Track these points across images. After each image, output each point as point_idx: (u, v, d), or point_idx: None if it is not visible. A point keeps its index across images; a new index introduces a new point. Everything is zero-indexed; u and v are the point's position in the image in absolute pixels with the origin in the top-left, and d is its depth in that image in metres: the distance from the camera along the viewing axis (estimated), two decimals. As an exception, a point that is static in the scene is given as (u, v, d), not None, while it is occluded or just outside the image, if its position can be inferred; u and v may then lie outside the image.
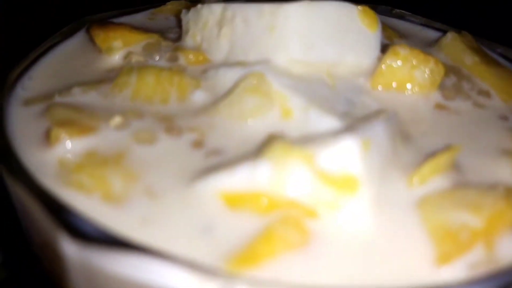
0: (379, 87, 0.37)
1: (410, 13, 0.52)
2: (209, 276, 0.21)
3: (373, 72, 0.37)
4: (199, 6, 0.41)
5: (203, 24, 0.40)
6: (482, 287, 0.21)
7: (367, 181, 0.25)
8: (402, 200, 0.27)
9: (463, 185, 0.28)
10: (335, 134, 0.27)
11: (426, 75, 0.36)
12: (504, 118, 0.36)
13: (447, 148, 0.29)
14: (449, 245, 0.24)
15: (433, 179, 0.28)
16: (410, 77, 0.36)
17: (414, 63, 0.36)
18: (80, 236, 0.22)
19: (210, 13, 0.39)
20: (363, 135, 0.26)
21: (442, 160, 0.28)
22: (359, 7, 0.37)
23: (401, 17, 0.52)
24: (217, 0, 0.48)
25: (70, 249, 0.22)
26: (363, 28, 0.38)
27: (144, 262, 0.22)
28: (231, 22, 0.38)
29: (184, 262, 0.22)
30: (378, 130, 0.28)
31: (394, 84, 0.37)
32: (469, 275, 0.22)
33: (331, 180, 0.25)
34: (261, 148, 0.28)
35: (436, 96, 0.37)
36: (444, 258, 0.23)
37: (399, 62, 0.36)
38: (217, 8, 0.39)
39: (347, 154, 0.25)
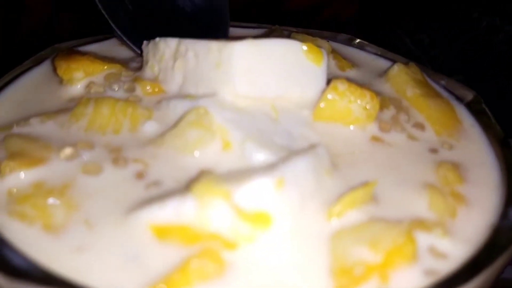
0: (320, 120, 0.39)
1: (368, 43, 0.55)
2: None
3: (315, 105, 0.40)
4: (157, 39, 0.43)
5: (160, 56, 0.43)
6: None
7: (280, 217, 0.28)
8: (318, 233, 0.29)
9: (377, 218, 0.30)
10: (253, 172, 0.29)
11: (362, 109, 0.39)
12: (433, 151, 0.38)
13: (364, 183, 0.32)
14: (345, 279, 0.26)
15: (350, 213, 0.30)
16: (348, 111, 0.39)
17: (351, 98, 0.39)
18: (9, 270, 0.25)
19: (166, 46, 0.42)
20: (278, 174, 0.28)
21: (358, 195, 0.30)
22: (304, 45, 0.40)
23: (360, 47, 0.54)
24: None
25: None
26: (308, 63, 0.40)
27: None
28: (184, 56, 0.41)
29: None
30: (298, 167, 0.30)
31: (334, 117, 0.39)
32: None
33: (246, 216, 0.28)
34: (190, 184, 0.30)
35: (372, 129, 0.39)
36: (340, 290, 0.26)
37: (337, 97, 0.39)
38: (173, 42, 0.42)
39: (260, 192, 0.28)
